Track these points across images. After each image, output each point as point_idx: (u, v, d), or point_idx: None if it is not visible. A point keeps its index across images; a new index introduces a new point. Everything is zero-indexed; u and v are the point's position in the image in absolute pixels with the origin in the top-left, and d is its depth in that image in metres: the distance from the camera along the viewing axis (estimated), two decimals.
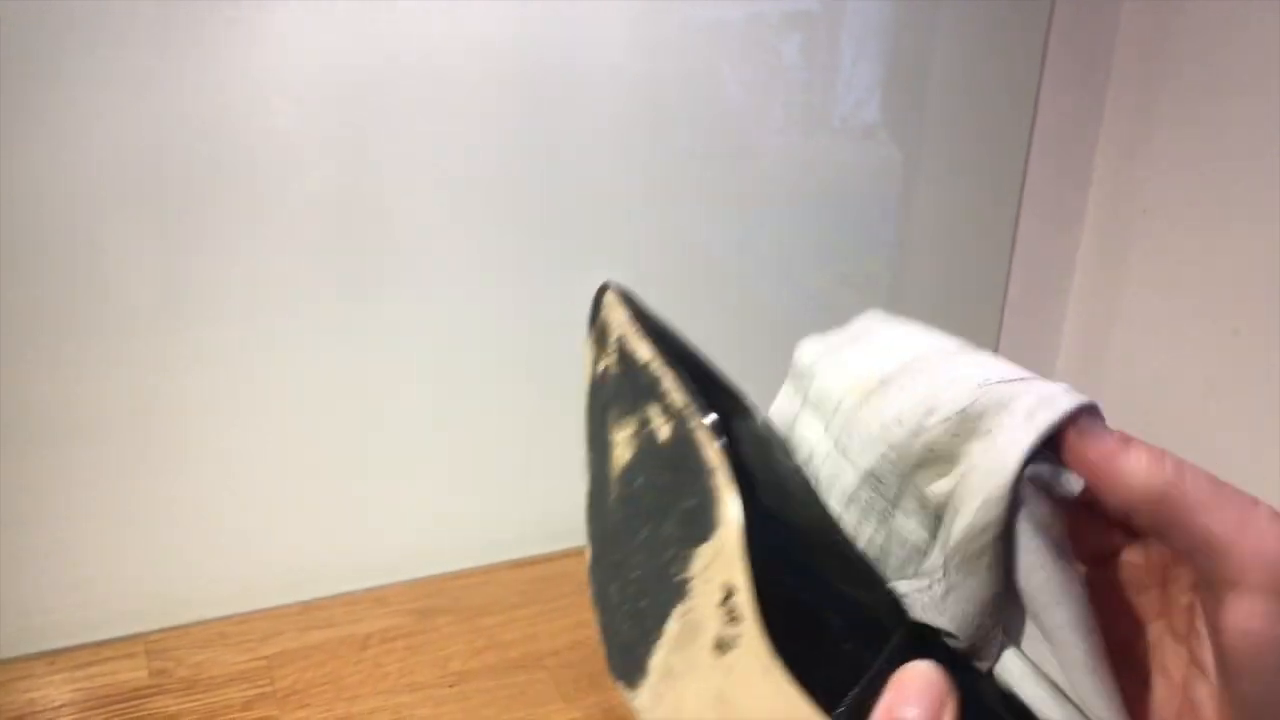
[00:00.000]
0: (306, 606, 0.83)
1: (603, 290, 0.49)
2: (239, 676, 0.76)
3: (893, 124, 0.91)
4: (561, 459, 0.90)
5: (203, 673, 0.76)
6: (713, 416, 0.40)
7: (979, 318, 0.99)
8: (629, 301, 0.48)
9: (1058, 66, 0.90)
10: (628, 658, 0.42)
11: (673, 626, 0.39)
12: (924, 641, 0.36)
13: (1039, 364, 0.99)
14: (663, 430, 0.42)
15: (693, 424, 0.40)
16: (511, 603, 0.84)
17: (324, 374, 0.80)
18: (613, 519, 0.45)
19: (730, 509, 0.38)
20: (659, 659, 0.40)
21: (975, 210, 0.96)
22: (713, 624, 0.38)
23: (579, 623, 0.82)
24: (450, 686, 0.76)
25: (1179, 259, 0.85)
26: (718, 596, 0.37)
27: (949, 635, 0.36)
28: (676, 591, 0.39)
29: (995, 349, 0.99)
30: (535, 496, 0.90)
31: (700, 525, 0.39)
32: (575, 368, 0.85)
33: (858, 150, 0.92)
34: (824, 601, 0.38)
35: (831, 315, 1.01)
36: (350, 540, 0.85)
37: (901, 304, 0.97)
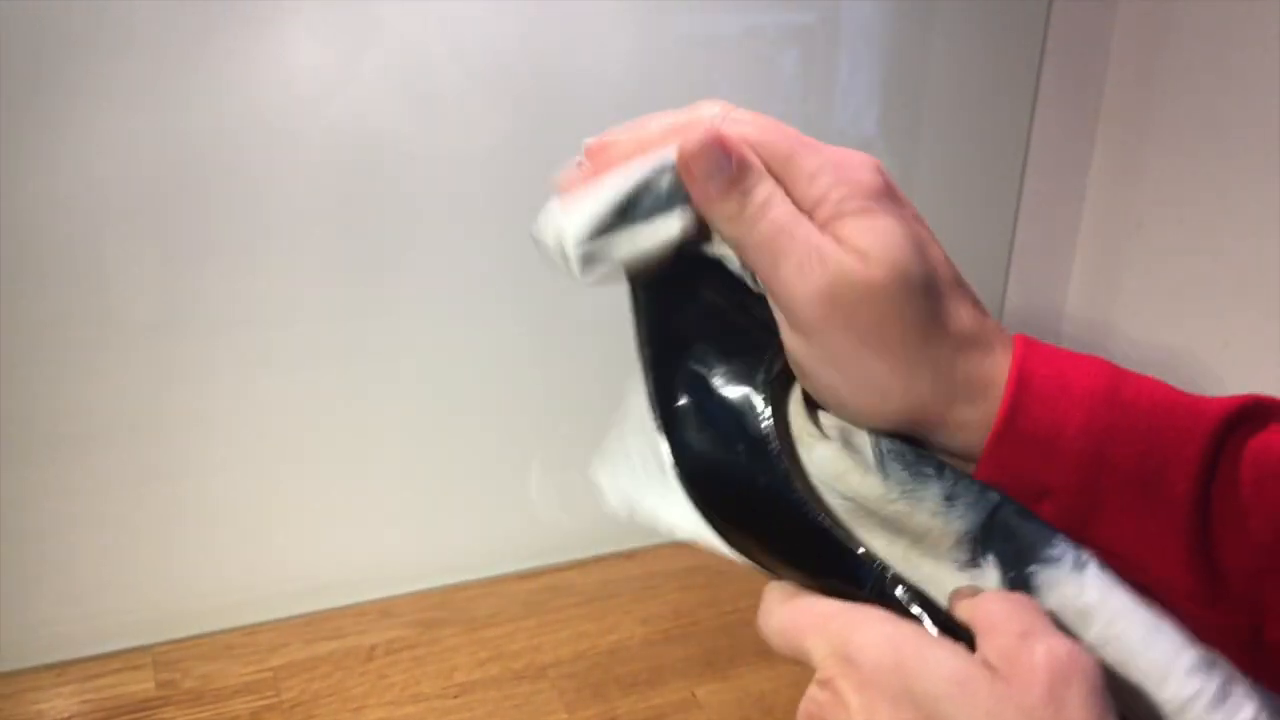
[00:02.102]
0: (312, 618, 0.83)
1: None
2: (245, 688, 0.76)
3: (889, 136, 0.92)
4: (565, 472, 0.91)
5: (209, 684, 0.77)
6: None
7: None
8: None
9: (1052, 81, 0.91)
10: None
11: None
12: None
13: None
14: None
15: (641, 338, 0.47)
16: (515, 614, 0.84)
17: (329, 386, 0.81)
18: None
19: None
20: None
21: (971, 223, 0.96)
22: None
23: (582, 634, 0.82)
24: (455, 697, 0.76)
25: (1172, 272, 0.86)
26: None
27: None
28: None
29: None
30: (539, 509, 0.90)
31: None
32: (580, 380, 0.86)
33: None
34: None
35: None
36: (356, 552, 0.86)
37: None
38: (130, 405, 0.76)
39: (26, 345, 0.72)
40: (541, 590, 0.87)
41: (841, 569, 0.38)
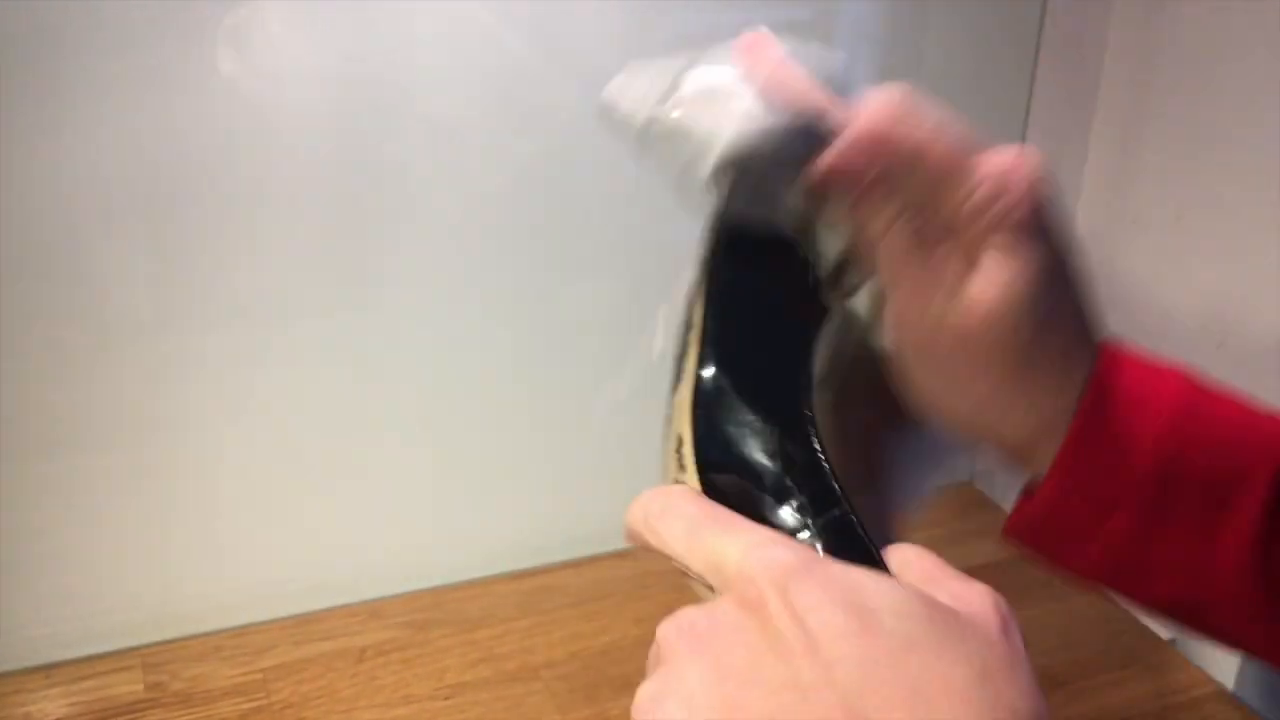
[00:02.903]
0: (303, 619, 0.83)
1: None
2: (234, 690, 0.76)
3: None
4: (558, 472, 0.90)
5: (198, 686, 0.76)
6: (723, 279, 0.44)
7: None
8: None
9: (1048, 78, 0.91)
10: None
11: (663, 459, 0.44)
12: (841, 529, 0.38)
13: None
14: (690, 289, 0.47)
15: (696, 283, 0.45)
16: (507, 615, 0.84)
17: (320, 385, 0.80)
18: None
19: (690, 363, 0.43)
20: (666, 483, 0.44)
21: None
22: (672, 467, 0.42)
23: (575, 634, 0.82)
24: (446, 699, 0.76)
25: (1167, 270, 0.85)
26: (674, 444, 0.42)
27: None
28: (665, 428, 0.44)
29: None
30: (531, 509, 0.90)
31: (677, 374, 0.44)
32: (573, 381, 0.85)
33: None
34: (753, 472, 0.40)
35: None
36: (346, 553, 0.85)
37: None
38: (118, 405, 0.75)
39: (14, 344, 0.71)
40: (534, 591, 0.87)
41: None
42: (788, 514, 0.39)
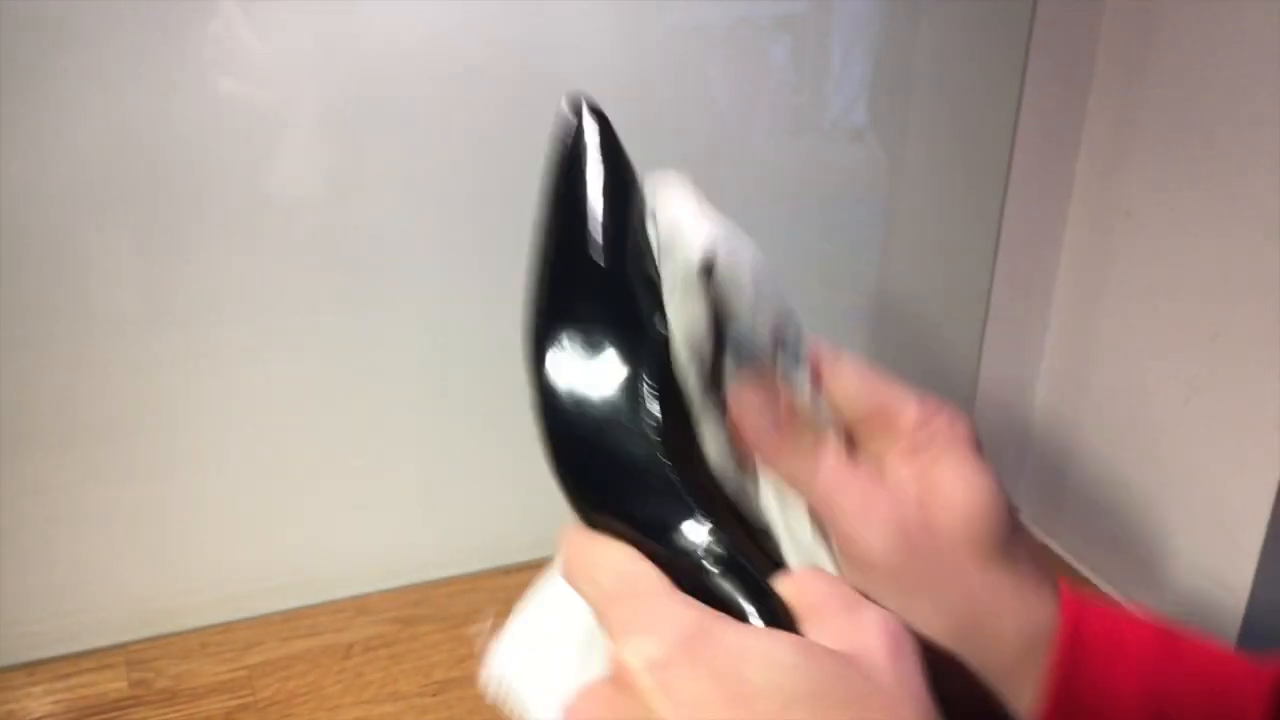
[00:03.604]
0: (289, 615, 0.82)
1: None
2: (220, 687, 0.75)
3: (879, 126, 0.91)
4: (544, 467, 0.90)
5: (183, 683, 0.76)
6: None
7: (963, 319, 0.99)
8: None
9: (1040, 70, 0.90)
10: None
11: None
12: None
13: (1023, 363, 0.99)
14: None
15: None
16: (495, 611, 0.83)
17: (307, 382, 0.80)
18: None
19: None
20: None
21: (959, 213, 0.96)
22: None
23: None
24: (433, 695, 0.75)
25: (1160, 261, 0.85)
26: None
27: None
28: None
29: (979, 349, 0.99)
30: (518, 504, 0.89)
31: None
32: None
33: (845, 153, 0.92)
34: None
35: (818, 316, 1.00)
36: (333, 548, 0.85)
37: (886, 305, 0.97)
38: (102, 402, 0.75)
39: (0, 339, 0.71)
40: (521, 586, 0.85)
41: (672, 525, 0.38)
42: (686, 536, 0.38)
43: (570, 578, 0.38)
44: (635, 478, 0.40)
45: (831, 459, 0.40)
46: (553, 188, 0.47)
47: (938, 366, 1.00)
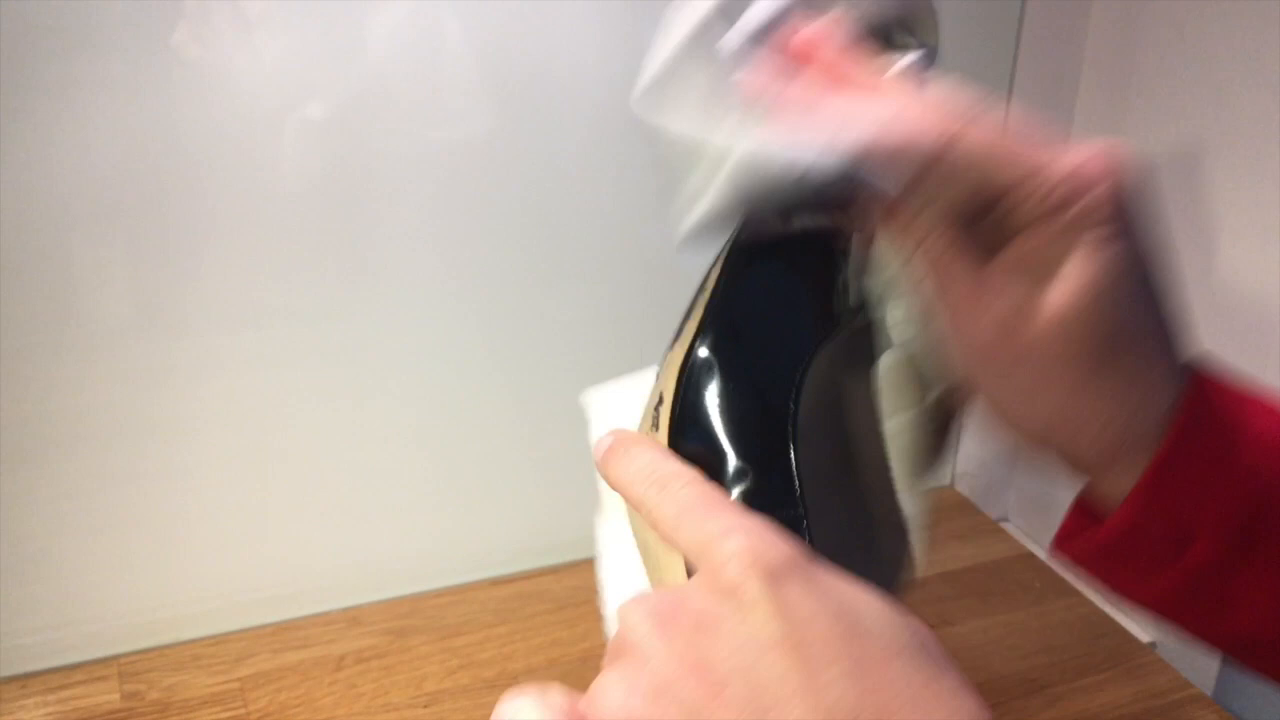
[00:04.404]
0: (281, 627, 0.82)
1: None
2: (212, 699, 0.76)
3: None
4: (537, 477, 0.90)
5: (175, 695, 0.76)
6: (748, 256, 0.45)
7: None
8: None
9: (1026, 85, 0.91)
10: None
11: (643, 408, 0.45)
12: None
13: None
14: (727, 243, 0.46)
15: (723, 246, 0.45)
16: (487, 622, 0.84)
17: (298, 392, 0.80)
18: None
19: (691, 328, 0.43)
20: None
21: None
22: (646, 422, 0.43)
23: (554, 641, 0.81)
24: (425, 707, 0.75)
25: None
26: (655, 399, 0.43)
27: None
28: (654, 384, 0.45)
29: None
30: (511, 515, 0.90)
31: (678, 331, 0.44)
32: (553, 385, 0.85)
33: None
34: (718, 450, 0.40)
35: None
36: (325, 559, 0.85)
37: None
38: (95, 413, 0.75)
39: None
40: (513, 597, 0.87)
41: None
42: (736, 499, 0.39)
43: (640, 489, 0.36)
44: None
45: (945, 239, 0.37)
46: None
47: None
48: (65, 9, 0.65)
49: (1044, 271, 0.35)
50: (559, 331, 0.85)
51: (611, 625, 0.34)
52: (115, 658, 0.79)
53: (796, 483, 0.39)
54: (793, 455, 0.40)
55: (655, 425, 0.42)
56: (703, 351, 0.42)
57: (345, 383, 0.81)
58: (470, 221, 0.80)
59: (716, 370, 0.42)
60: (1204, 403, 0.37)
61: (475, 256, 0.82)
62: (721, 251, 0.45)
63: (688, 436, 0.41)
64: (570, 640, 0.82)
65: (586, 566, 0.89)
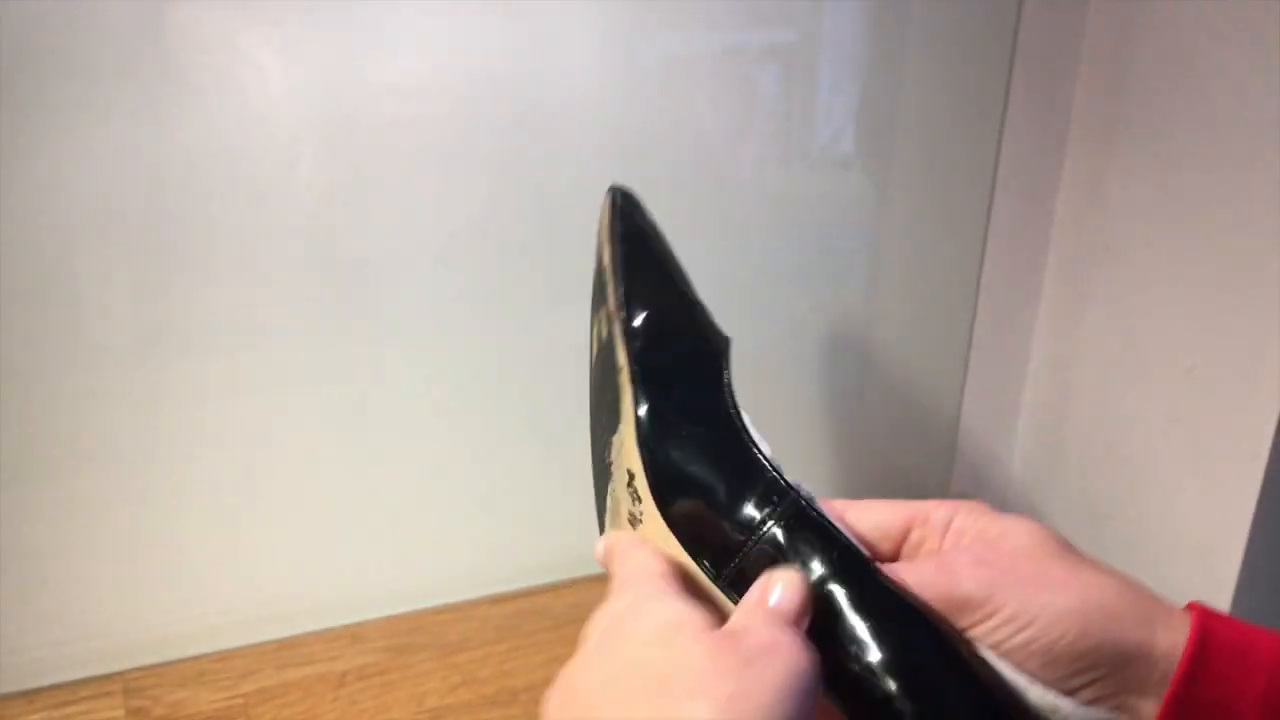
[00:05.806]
0: (284, 644, 0.83)
1: (608, 192, 0.58)
2: (216, 715, 0.76)
3: (866, 156, 0.92)
4: (537, 496, 0.91)
5: (180, 711, 0.77)
6: (638, 317, 0.50)
7: (947, 349, 1.00)
8: (619, 204, 0.57)
9: (1021, 105, 0.92)
10: (600, 524, 0.51)
11: (609, 502, 0.48)
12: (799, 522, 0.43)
13: (1005, 396, 1.01)
14: (604, 330, 0.52)
15: (618, 326, 0.50)
16: (487, 639, 0.84)
17: (302, 411, 0.81)
18: (590, 407, 0.55)
19: (627, 404, 0.47)
20: (608, 527, 0.49)
21: (943, 243, 0.97)
22: (625, 502, 0.46)
23: (554, 658, 0.82)
24: None
25: (1139, 295, 0.86)
26: (625, 478, 0.46)
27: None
28: (606, 473, 0.49)
29: (963, 382, 1.01)
30: (511, 533, 0.90)
31: (614, 416, 0.48)
32: (555, 404, 0.86)
33: (833, 182, 0.93)
34: (708, 486, 0.44)
35: (806, 344, 1.01)
36: (327, 577, 0.86)
37: (872, 335, 0.98)
38: (101, 431, 0.76)
39: None
40: (514, 614, 0.87)
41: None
42: (750, 511, 0.43)
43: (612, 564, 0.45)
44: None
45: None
46: None
47: (921, 395, 1.01)
48: (71, 33, 0.66)
49: (980, 531, 0.46)
50: (560, 352, 0.85)
51: None
52: (120, 674, 0.80)
53: (775, 474, 0.44)
54: (756, 452, 0.45)
55: (637, 498, 0.45)
56: (646, 418, 0.46)
57: (347, 403, 0.82)
58: (472, 243, 0.81)
59: (665, 424, 0.46)
60: (1211, 627, 0.40)
61: (477, 277, 0.82)
62: (621, 333, 0.50)
63: (672, 491, 0.45)
64: (570, 657, 0.82)
65: (587, 584, 0.90)
